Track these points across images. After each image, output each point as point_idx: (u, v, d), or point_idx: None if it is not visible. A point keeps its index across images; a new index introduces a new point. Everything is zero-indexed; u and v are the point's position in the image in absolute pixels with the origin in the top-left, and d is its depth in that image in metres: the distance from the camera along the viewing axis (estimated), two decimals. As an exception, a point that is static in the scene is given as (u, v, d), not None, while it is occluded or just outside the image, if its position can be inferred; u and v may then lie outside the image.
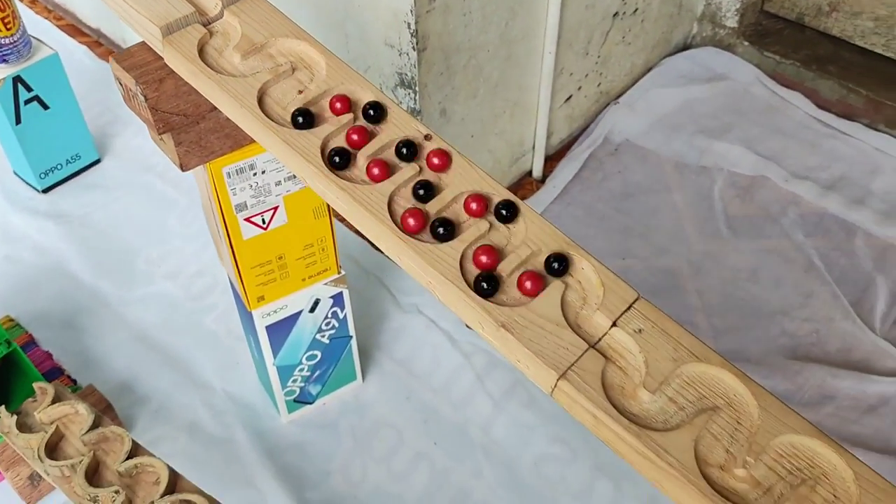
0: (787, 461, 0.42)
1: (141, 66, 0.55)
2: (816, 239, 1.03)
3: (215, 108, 0.59)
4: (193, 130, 0.59)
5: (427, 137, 0.51)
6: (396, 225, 0.47)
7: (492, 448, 0.83)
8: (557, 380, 0.43)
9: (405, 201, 0.48)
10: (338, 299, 0.78)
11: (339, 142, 0.49)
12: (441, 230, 0.46)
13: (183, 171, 0.60)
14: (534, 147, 1.14)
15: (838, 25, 1.26)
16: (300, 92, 0.51)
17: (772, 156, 1.14)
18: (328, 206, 0.71)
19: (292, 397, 0.84)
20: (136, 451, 0.69)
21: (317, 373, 0.83)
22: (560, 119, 1.16)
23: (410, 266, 0.47)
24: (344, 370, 0.86)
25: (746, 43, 1.30)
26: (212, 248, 1.03)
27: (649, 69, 1.30)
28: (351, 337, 0.83)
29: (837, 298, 0.95)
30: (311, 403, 0.86)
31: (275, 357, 0.79)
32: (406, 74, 0.86)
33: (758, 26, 1.32)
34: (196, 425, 0.86)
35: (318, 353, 0.82)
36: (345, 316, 0.80)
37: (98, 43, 1.44)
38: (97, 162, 1.18)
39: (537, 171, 1.16)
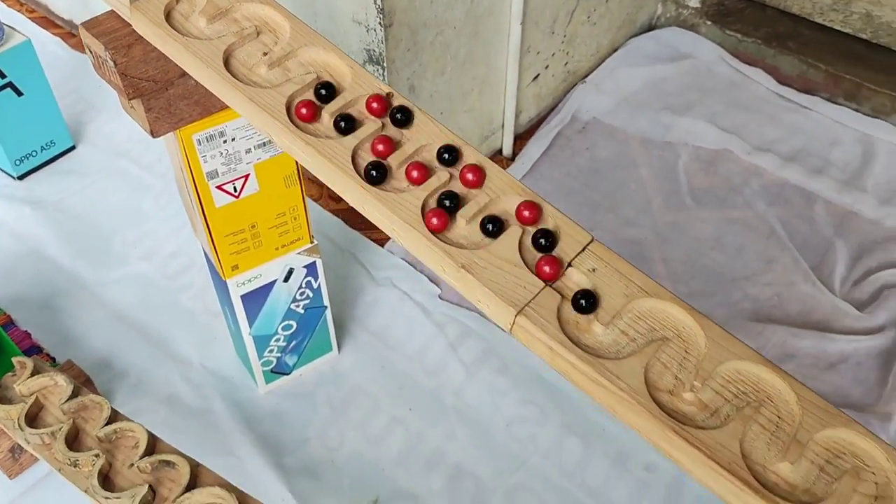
0: (732, 386, 0.44)
1: (109, 32, 0.57)
2: (777, 208, 1.06)
3: (184, 74, 0.61)
4: (163, 97, 0.60)
5: (389, 95, 0.53)
6: (360, 177, 0.49)
7: (465, 411, 0.85)
8: (515, 316, 0.45)
9: (368, 154, 0.50)
10: (311, 269, 0.80)
11: (306, 99, 0.51)
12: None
13: (153, 137, 0.61)
14: (503, 125, 1.16)
15: (797, 3, 1.29)
16: (265, 54, 0.53)
17: (734, 130, 1.17)
18: (299, 175, 0.73)
19: (269, 368, 0.86)
20: (115, 417, 0.71)
21: (293, 343, 0.85)
22: (529, 98, 1.18)
23: (374, 214, 0.49)
24: (319, 341, 0.87)
25: (709, 22, 1.33)
26: (187, 228, 1.05)
27: (615, 49, 1.32)
28: (325, 307, 0.85)
29: (798, 263, 0.98)
30: (287, 374, 0.88)
31: (251, 327, 0.80)
32: (374, 51, 0.88)
33: (720, 6, 1.35)
34: (175, 397, 0.87)
35: (294, 324, 0.83)
36: (319, 286, 0.82)
37: (71, 34, 1.44)
38: (72, 149, 1.19)
39: (507, 150, 1.18)
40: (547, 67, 1.18)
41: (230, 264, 0.74)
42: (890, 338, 0.90)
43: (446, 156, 0.50)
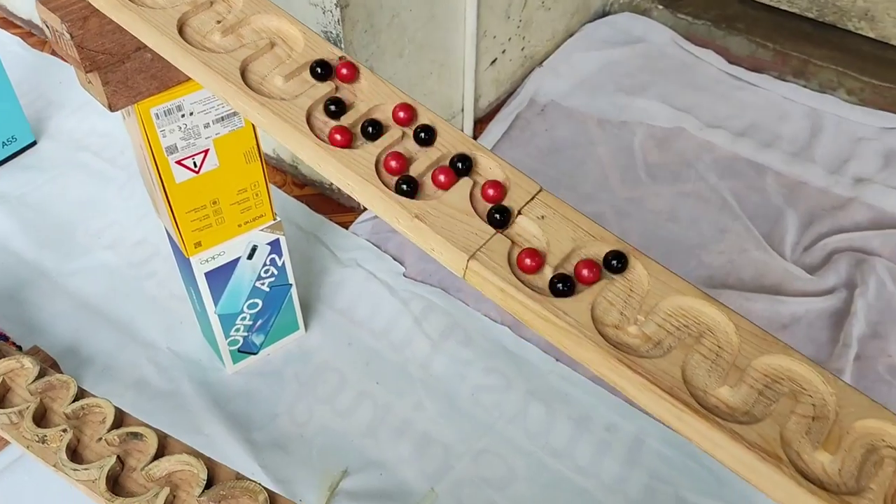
0: (674, 319, 0.47)
1: (65, 6, 0.58)
2: (729, 180, 1.09)
3: (139, 48, 0.62)
4: (119, 70, 0.61)
5: (341, 59, 0.54)
6: (315, 135, 0.51)
7: (431, 383, 0.87)
8: (468, 261, 0.47)
9: (323, 115, 0.52)
10: (275, 246, 0.81)
11: (259, 64, 0.53)
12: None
13: (112, 110, 0.62)
14: (462, 109, 1.18)
15: (745, -14, 1.33)
16: (218, 22, 0.55)
17: (687, 108, 1.20)
18: (259, 151, 0.75)
19: (236, 347, 0.87)
20: (81, 395, 0.71)
21: (259, 322, 0.86)
22: (487, 82, 1.20)
23: (330, 171, 0.51)
24: (286, 319, 0.89)
25: (661, 7, 1.37)
26: (151, 217, 1.05)
27: (570, 35, 1.35)
28: (291, 285, 0.86)
29: (750, 231, 1.01)
30: (255, 354, 0.89)
31: (216, 305, 0.81)
32: (331, 32, 0.90)
33: (672, -9, 1.39)
34: (143, 381, 0.88)
35: (259, 302, 0.84)
36: (283, 263, 0.83)
37: (30, 34, 1.44)
38: (33, 144, 1.19)
39: (468, 133, 1.20)
40: (504, 52, 1.21)
41: (193, 241, 0.75)
42: (840, 299, 0.93)
43: (401, 114, 0.52)
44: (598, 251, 0.49)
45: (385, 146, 0.51)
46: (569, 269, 0.48)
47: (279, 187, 1.12)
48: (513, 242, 0.49)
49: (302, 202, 1.09)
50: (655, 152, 1.15)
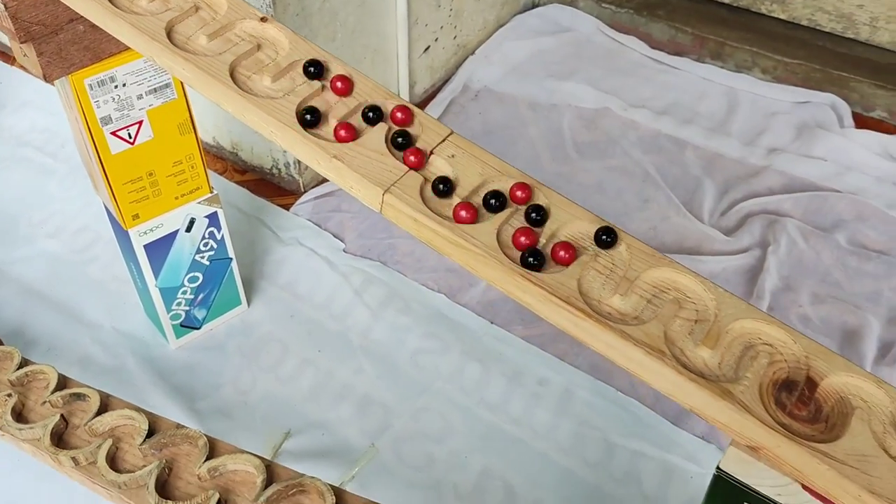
0: (574, 241, 0.51)
1: (-2, -22, 0.60)
2: (652, 155, 1.15)
3: (73, 19, 0.65)
4: (53, 41, 0.64)
5: (263, 19, 0.58)
6: (238, 86, 0.54)
7: (371, 348, 0.90)
8: (383, 195, 0.51)
9: (246, 70, 0.55)
10: (213, 219, 0.84)
11: (184, 25, 0.56)
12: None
13: (47, 81, 0.65)
14: (398, 95, 1.22)
15: (665, -24, 1.40)
16: (146, -13, 0.58)
17: (612, 91, 1.27)
18: (193, 123, 0.77)
19: (178, 322, 0.89)
20: (25, 364, 0.73)
21: (200, 296, 0.89)
22: (421, 69, 1.25)
23: (254, 119, 0.54)
24: (228, 294, 0.91)
25: (587, -3, 1.43)
26: (94, 206, 1.07)
27: (501, 25, 1.40)
28: (231, 259, 0.89)
29: (671, 200, 1.07)
30: (198, 329, 0.91)
31: (156, 279, 0.84)
32: (263, 17, 0.93)
33: (597, -17, 1.46)
34: (87, 359, 0.89)
35: (200, 276, 0.87)
36: (222, 237, 0.86)
37: (-37, 36, 1.44)
38: (-30, 141, 1.19)
39: (405, 120, 1.24)
40: (437, 40, 1.25)
41: (130, 213, 0.77)
42: (754, 256, 0.99)
43: (311, 69, 0.56)
44: (504, 185, 0.53)
45: (304, 96, 0.55)
46: (477, 200, 0.52)
47: (220, 174, 1.14)
48: (425, 179, 0.53)
49: (244, 187, 1.12)
50: (583, 131, 1.21)
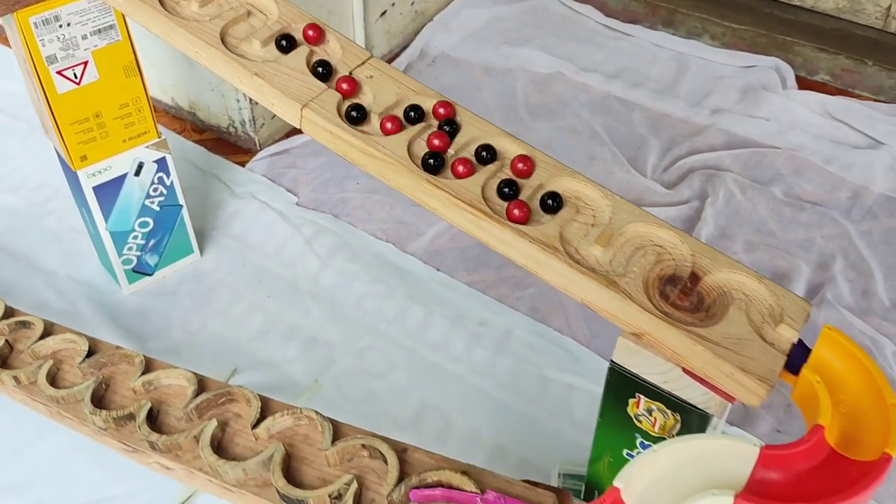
0: (481, 154, 0.54)
1: (-63, -88, 0.62)
2: (601, 116, 1.19)
3: (13, -45, 0.67)
4: (-5, -23, 0.66)
5: (194, -49, 0.61)
6: (167, 11, 0.57)
7: (319, 293, 0.93)
8: (301, 109, 0.54)
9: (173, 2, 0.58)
10: (162, 164, 0.86)
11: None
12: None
13: (-10, 16, 0.67)
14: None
15: (621, -52, 1.44)
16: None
17: (565, 56, 1.30)
18: (138, 66, 0.80)
19: (130, 267, 0.91)
20: (-27, 297, 0.75)
21: (151, 242, 0.91)
22: (379, 33, 1.28)
23: (181, 42, 0.57)
24: (179, 241, 0.94)
25: (545, -32, 1.46)
26: (52, 164, 1.09)
27: (461, -6, 1.44)
28: (181, 206, 0.91)
29: (616, 156, 1.10)
30: (150, 275, 0.94)
31: (106, 222, 0.86)
32: (215, -28, 0.96)
33: (555, -45, 1.49)
34: (41, 304, 0.91)
35: (150, 221, 0.89)
36: (171, 183, 0.88)
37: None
38: (-69, 102, 1.21)
39: (363, 84, 1.27)
40: (394, 5, 1.28)
41: (79, 154, 0.80)
42: (693, 208, 1.03)
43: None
44: (420, 102, 0.56)
45: (228, 20, 0.57)
46: (395, 112, 0.55)
47: (178, 133, 1.17)
48: (343, 97, 0.56)
49: (201, 146, 1.14)
50: (535, 94, 1.24)
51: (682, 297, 0.49)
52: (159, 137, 0.84)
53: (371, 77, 0.57)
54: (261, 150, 1.13)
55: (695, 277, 0.49)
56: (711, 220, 1.00)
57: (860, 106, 1.18)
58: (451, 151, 0.54)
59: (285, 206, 1.04)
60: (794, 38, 1.26)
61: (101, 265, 0.96)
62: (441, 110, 0.56)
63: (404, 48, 1.34)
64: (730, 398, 0.47)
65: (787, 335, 0.47)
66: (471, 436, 0.79)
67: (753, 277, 0.50)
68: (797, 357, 0.47)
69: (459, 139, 0.54)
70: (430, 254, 0.98)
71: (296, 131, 1.18)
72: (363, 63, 0.58)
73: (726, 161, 1.09)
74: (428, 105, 0.56)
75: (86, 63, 0.75)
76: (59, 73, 0.74)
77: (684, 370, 0.48)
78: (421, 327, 0.90)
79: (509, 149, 0.55)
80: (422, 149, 0.53)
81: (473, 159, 0.53)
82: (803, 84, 1.25)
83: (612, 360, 0.51)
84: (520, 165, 0.53)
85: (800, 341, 0.48)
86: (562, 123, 1.18)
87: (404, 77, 0.58)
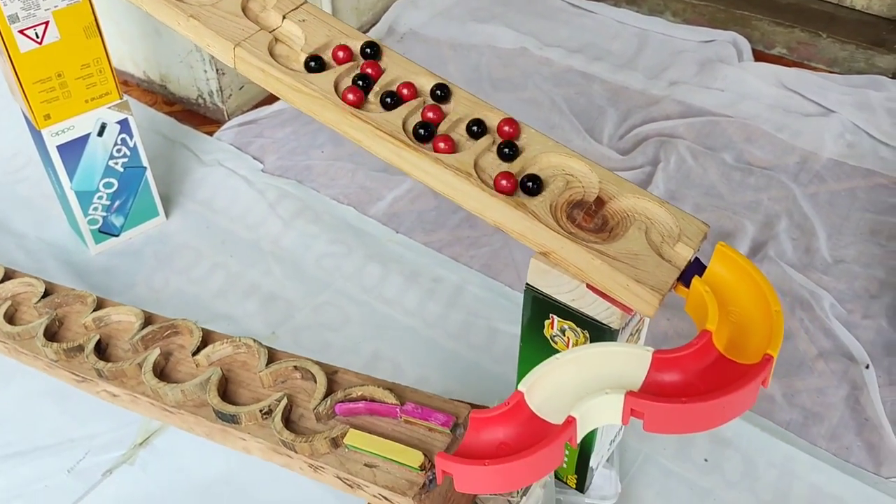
0: (403, 90, 0.57)
1: None
2: (562, 88, 1.22)
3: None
4: (-46, -65, 0.69)
5: None
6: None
7: (280, 254, 0.96)
8: (234, 48, 0.57)
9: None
10: (124, 126, 0.89)
11: None
12: None
13: (-51, -27, 0.70)
14: None
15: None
16: None
17: (530, 33, 1.33)
18: (98, 27, 0.83)
19: (96, 227, 0.94)
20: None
21: (117, 203, 0.94)
22: (347, 10, 1.31)
23: (124, -11, 0.60)
24: (144, 203, 0.97)
25: (514, -51, 1.49)
26: (25, 136, 1.12)
27: (431, -26, 1.47)
28: (145, 168, 0.94)
29: (574, 126, 1.14)
30: (116, 236, 0.97)
31: (71, 181, 0.89)
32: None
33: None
34: (11, 263, 0.94)
35: (115, 182, 0.92)
36: (135, 145, 0.92)
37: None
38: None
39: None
40: (362, -17, 1.32)
41: (42, 113, 0.83)
42: (645, 172, 1.06)
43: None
44: (350, 43, 0.59)
45: (172, -31, 0.60)
46: (327, 56, 0.58)
47: (150, 106, 1.20)
48: (277, 40, 0.59)
49: (171, 117, 1.17)
50: (499, 68, 1.27)
51: (587, 218, 0.52)
52: (121, 99, 0.87)
53: (303, 21, 0.60)
54: (229, 120, 1.16)
55: (600, 202, 0.53)
56: (662, 184, 1.03)
57: (814, 77, 1.21)
58: (376, 89, 0.57)
59: (251, 173, 1.07)
60: (752, 13, 1.29)
61: (69, 228, 0.99)
62: (368, 50, 0.59)
63: (373, 25, 1.37)
64: (627, 310, 0.50)
65: (684, 253, 0.51)
66: (420, 381, 0.82)
67: (656, 202, 0.53)
68: (693, 273, 0.50)
69: (384, 79, 0.57)
70: (389, 216, 1.01)
71: (264, 102, 1.21)
72: (297, 7, 0.61)
73: (680, 129, 1.13)
74: (356, 46, 0.59)
75: (47, 23, 0.78)
76: (21, 32, 0.77)
77: (588, 286, 0.51)
78: (377, 284, 0.93)
79: (428, 85, 0.58)
80: (346, 84, 0.57)
81: (396, 96, 0.56)
82: (760, 57, 1.28)
83: (527, 283, 0.55)
84: (438, 93, 0.56)
85: (697, 259, 0.51)
86: (523, 95, 1.22)
87: (336, 21, 0.61)
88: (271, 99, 1.21)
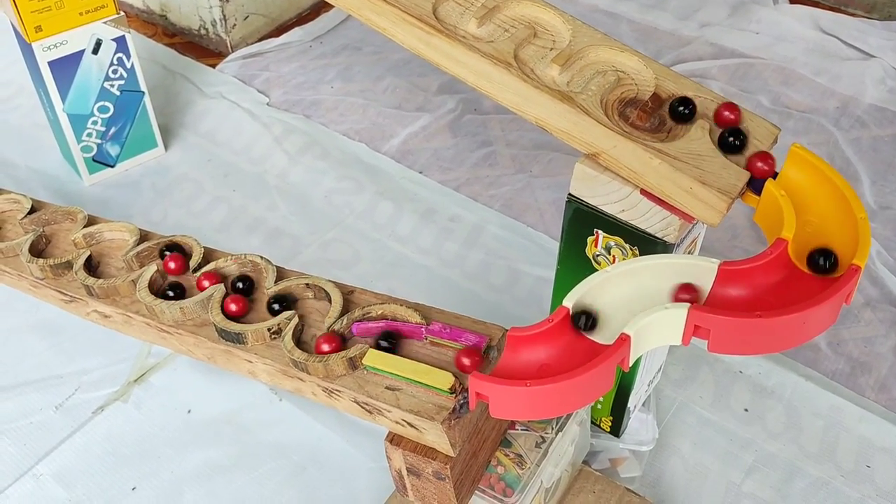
0: (436, -21, 0.51)
1: None
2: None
3: None
4: None
5: None
6: None
7: (286, 189, 0.90)
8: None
9: None
10: (121, 43, 0.83)
11: None
12: None
13: None
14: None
15: None
16: None
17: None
18: (94, -69, 0.76)
19: (90, 155, 0.88)
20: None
21: (112, 129, 0.88)
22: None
23: None
24: (142, 132, 0.90)
25: None
26: (19, 62, 1.05)
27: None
28: (143, 93, 0.88)
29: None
30: (112, 167, 0.90)
31: (64, 102, 0.83)
32: None
33: None
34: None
35: (111, 106, 0.86)
36: (132, 66, 0.85)
37: None
38: None
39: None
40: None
41: (33, 25, 0.76)
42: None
43: None
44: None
45: None
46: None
47: (150, 37, 1.13)
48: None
49: (172, 48, 1.10)
50: (520, 7, 1.20)
51: (643, 116, 0.46)
52: (118, 14, 0.81)
53: None
54: (233, 52, 1.09)
55: (657, 98, 0.46)
56: (695, 125, 0.96)
57: (853, 21, 1.14)
58: (402, -27, 0.50)
59: (255, 106, 1.01)
60: (788, -45, 1.22)
61: (62, 157, 0.93)
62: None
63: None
64: (689, 218, 0.44)
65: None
66: (436, 323, 0.77)
67: (720, 100, 0.47)
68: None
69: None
70: (402, 153, 0.95)
71: (270, 34, 1.14)
72: None
73: (713, 71, 1.06)
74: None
75: (35, -80, 0.71)
76: (6, -72, 0.70)
77: (642, 192, 0.45)
78: (389, 221, 0.87)
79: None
80: (372, -30, 0.50)
81: (427, -18, 0.50)
82: (796, 0, 1.21)
83: (569, 194, 0.49)
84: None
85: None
86: (546, 34, 1.15)
87: None
88: (278, 31, 1.14)
